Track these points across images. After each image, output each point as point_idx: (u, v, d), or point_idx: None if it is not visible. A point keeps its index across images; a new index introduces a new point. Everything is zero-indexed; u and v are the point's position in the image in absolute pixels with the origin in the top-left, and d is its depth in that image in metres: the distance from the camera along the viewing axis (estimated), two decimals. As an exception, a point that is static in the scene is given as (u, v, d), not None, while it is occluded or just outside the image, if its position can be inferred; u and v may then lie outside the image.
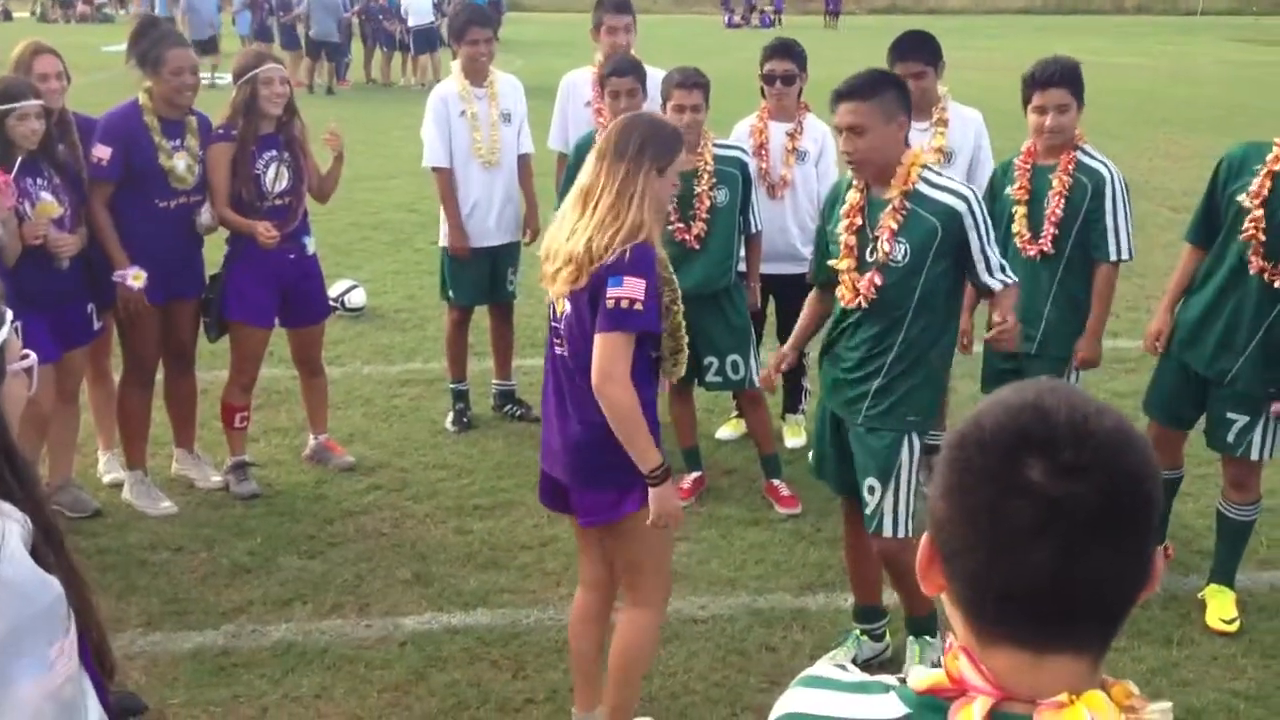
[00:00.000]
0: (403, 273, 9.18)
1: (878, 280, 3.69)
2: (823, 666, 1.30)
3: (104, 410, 5.56)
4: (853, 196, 3.79)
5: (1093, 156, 4.46)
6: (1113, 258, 4.43)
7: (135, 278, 4.97)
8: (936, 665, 3.96)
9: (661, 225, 3.32)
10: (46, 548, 1.61)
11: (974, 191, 3.74)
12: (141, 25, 5.34)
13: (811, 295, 4.16)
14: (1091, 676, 1.17)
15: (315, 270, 5.53)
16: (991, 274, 3.72)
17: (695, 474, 5.45)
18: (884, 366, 3.74)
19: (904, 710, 1.19)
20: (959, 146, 5.19)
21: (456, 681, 3.98)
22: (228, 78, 5.66)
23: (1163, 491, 1.21)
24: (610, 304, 3.10)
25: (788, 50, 5.61)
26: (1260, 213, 4.09)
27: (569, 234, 3.20)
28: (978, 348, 4.75)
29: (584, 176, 3.25)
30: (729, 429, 6.15)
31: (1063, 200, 4.41)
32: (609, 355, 3.13)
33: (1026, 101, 4.46)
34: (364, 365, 7.11)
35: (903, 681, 1.22)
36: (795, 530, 5.09)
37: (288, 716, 3.80)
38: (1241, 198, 4.13)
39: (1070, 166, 4.42)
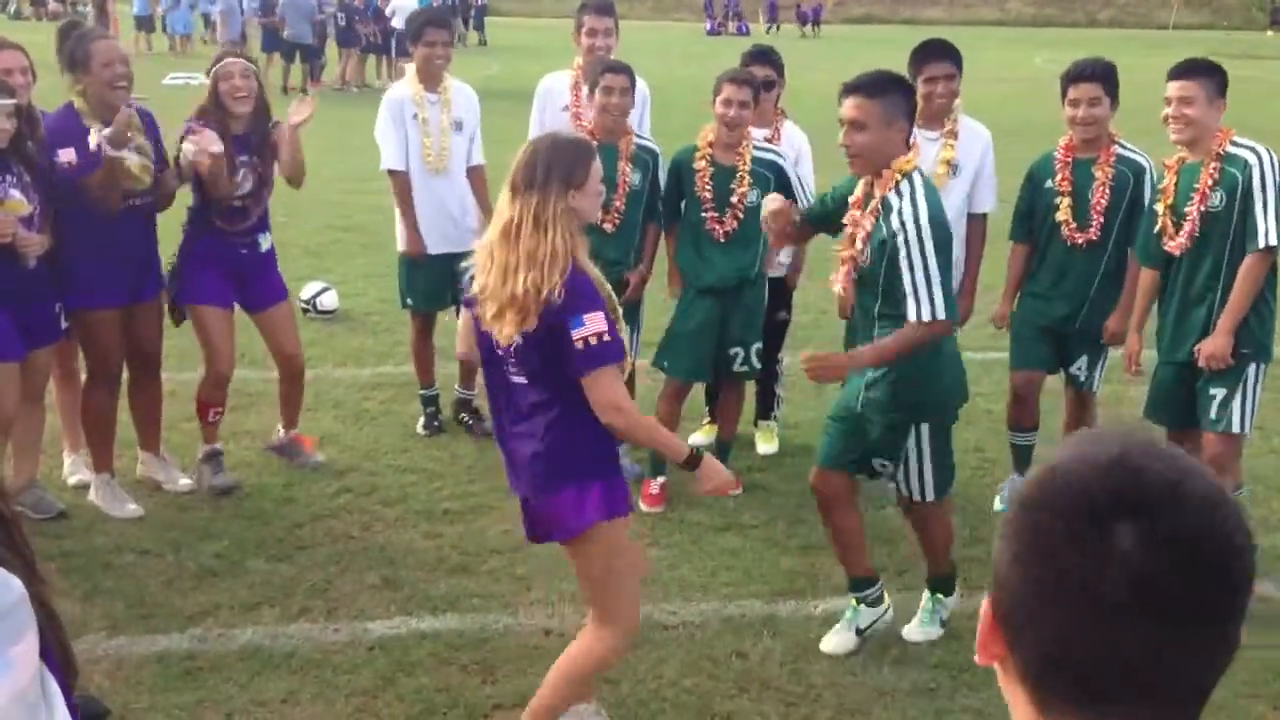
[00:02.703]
0: (376, 275, 9.12)
1: (852, 275, 3.90)
2: None
3: (70, 411, 5.50)
4: (860, 188, 3.97)
5: (1128, 149, 4.88)
6: None
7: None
8: (944, 625, 3.95)
9: (586, 239, 3.30)
10: (4, 545, 1.59)
11: (928, 216, 3.73)
12: (63, 29, 5.24)
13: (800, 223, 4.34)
14: None
15: (270, 261, 5.49)
16: (919, 308, 3.73)
17: (662, 479, 5.43)
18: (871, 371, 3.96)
19: None
20: (965, 161, 5.19)
21: (425, 687, 3.95)
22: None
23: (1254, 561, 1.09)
24: (581, 346, 3.13)
25: (766, 56, 5.66)
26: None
27: (503, 274, 3.18)
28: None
29: (502, 212, 3.25)
30: (701, 435, 6.14)
31: (1108, 191, 4.79)
32: (606, 391, 3.20)
33: (1064, 95, 4.84)
34: (335, 368, 7.06)
35: None
36: (767, 537, 5.09)
37: (253, 721, 3.77)
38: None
39: (1111, 159, 4.82)
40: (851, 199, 3.99)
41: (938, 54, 5.10)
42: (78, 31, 5.12)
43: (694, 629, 4.35)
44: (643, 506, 5.32)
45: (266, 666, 4.03)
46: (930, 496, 4.19)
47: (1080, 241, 4.89)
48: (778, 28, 43.92)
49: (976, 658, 1.16)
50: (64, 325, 5.02)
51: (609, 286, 3.32)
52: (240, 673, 3.99)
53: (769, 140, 5.60)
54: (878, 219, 3.79)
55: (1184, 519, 1.02)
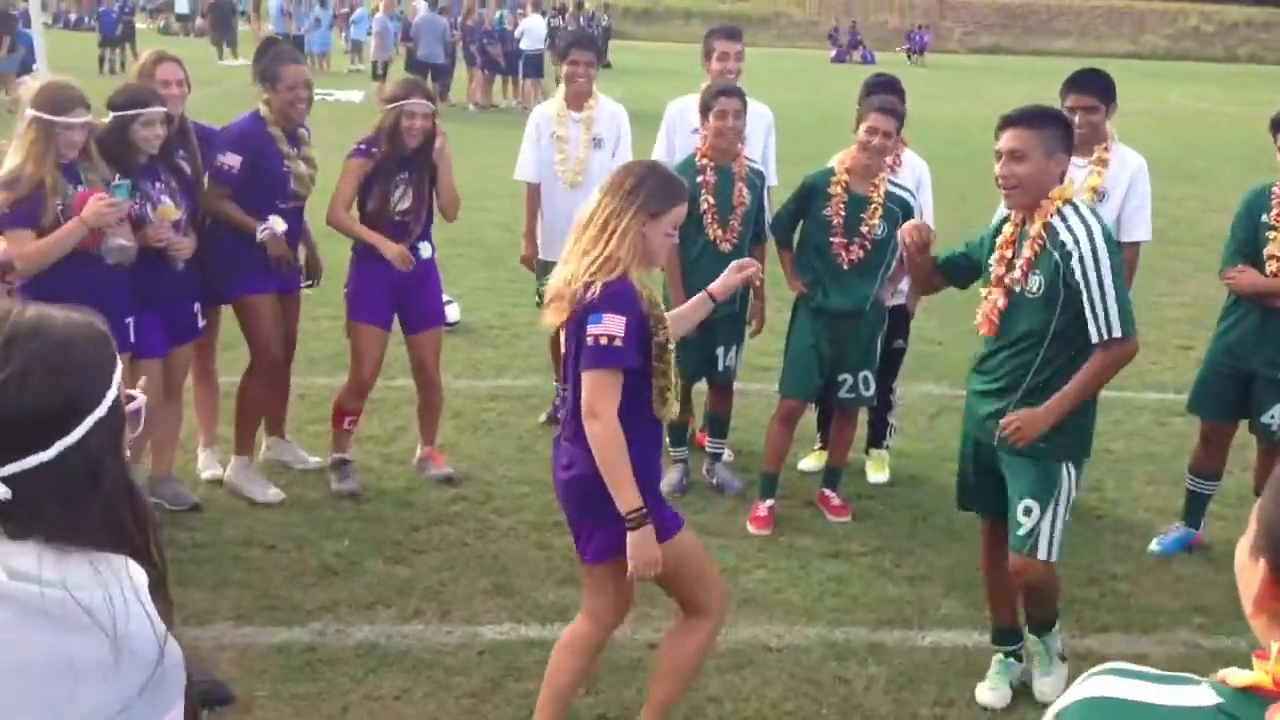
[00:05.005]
0: (496, 290, 9.34)
1: (1001, 304, 3.79)
2: (1121, 663, 1.30)
3: (205, 407, 5.77)
4: (1008, 230, 3.89)
5: None
6: None
7: (276, 222, 5.24)
8: (1063, 659, 3.92)
9: (648, 267, 3.34)
10: (155, 596, 1.58)
11: (1101, 232, 3.71)
12: (263, 45, 5.69)
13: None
14: None
15: (432, 275, 5.68)
16: (1098, 325, 3.65)
17: (769, 502, 5.47)
18: (1023, 392, 3.81)
19: (1217, 699, 1.19)
20: (1112, 188, 5.15)
21: (532, 692, 4.02)
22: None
23: None
24: (590, 341, 3.19)
25: (893, 86, 5.71)
26: None
27: (561, 265, 3.33)
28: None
29: (582, 210, 3.36)
30: (812, 461, 6.15)
31: None
32: (593, 392, 3.21)
33: (1273, 141, 4.85)
34: (455, 379, 7.22)
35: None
36: (874, 565, 5.08)
37: (368, 715, 3.90)
38: None
39: None
40: (1000, 239, 3.89)
41: (1078, 85, 5.08)
42: (275, 49, 5.53)
43: (798, 653, 4.36)
44: (750, 529, 5.36)
45: (381, 663, 4.17)
46: (1055, 554, 3.88)
47: None
48: (917, 54, 43.27)
49: (1253, 613, 1.25)
50: (201, 324, 5.28)
51: (666, 319, 3.34)
52: (357, 668, 4.13)
53: (891, 167, 5.61)
54: (1044, 245, 3.71)
55: None
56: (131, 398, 1.65)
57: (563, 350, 3.43)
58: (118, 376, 1.59)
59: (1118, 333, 3.66)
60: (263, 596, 4.58)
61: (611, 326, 3.16)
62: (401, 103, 5.29)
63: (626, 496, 3.22)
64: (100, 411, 1.54)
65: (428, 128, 5.33)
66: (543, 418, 6.54)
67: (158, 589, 1.58)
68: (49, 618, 1.45)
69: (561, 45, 6.43)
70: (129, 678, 1.48)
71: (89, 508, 1.51)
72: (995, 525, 4.08)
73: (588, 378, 3.22)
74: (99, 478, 1.53)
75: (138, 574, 1.55)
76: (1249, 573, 1.25)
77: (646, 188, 3.27)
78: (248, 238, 5.24)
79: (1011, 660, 4.19)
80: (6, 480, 1.47)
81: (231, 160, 5.21)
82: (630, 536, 3.24)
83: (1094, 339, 3.68)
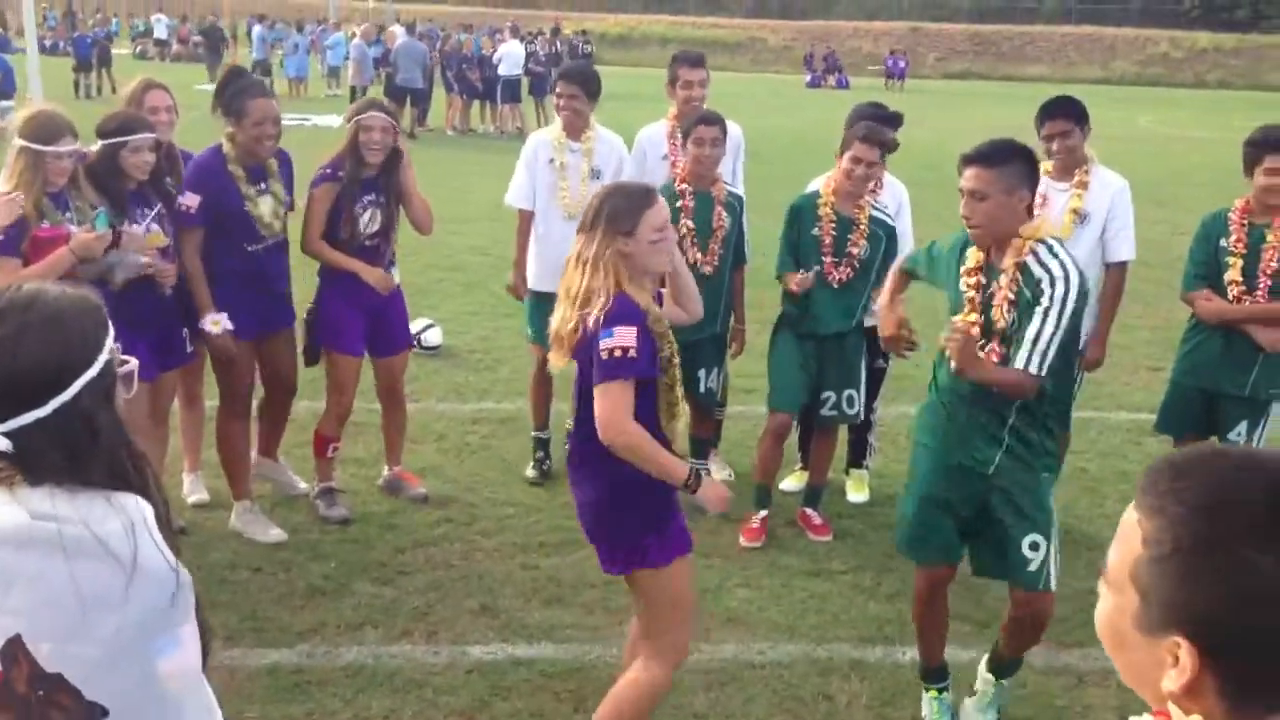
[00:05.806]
0: (478, 314, 9.40)
1: (999, 350, 3.75)
2: None
3: (191, 433, 5.80)
4: (976, 254, 3.85)
5: None
6: None
7: (213, 324, 5.14)
8: (1001, 710, 3.84)
9: (646, 282, 3.39)
10: (161, 528, 1.78)
11: (1073, 280, 3.64)
12: (227, 75, 5.51)
13: (899, 273, 4.31)
14: None
15: (399, 300, 5.73)
16: (1027, 356, 3.62)
17: (763, 513, 5.56)
18: (1009, 426, 3.80)
19: None
20: (1094, 209, 5.26)
21: (520, 711, 4.09)
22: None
23: None
24: (604, 355, 3.22)
25: (887, 119, 5.78)
26: None
27: (556, 306, 3.42)
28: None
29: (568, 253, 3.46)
30: (793, 480, 6.23)
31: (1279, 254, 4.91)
32: (609, 405, 3.22)
33: (1254, 163, 4.89)
34: (438, 402, 7.29)
35: None
36: (855, 583, 5.15)
37: (357, 735, 3.94)
38: None
39: None
40: (964, 268, 3.86)
41: (1051, 113, 5.23)
42: (241, 82, 5.32)
43: (781, 669, 4.43)
44: (743, 541, 5.47)
45: (370, 684, 4.21)
46: (1053, 584, 3.86)
47: (1247, 304, 4.93)
48: (897, 80, 43.45)
49: (1183, 702, 1.20)
50: (190, 349, 5.31)
51: (671, 335, 3.38)
52: (345, 688, 4.17)
53: (872, 192, 5.71)
54: (1019, 286, 3.68)
55: None
56: (124, 361, 1.82)
57: (575, 382, 3.48)
58: (109, 342, 1.77)
59: (1040, 371, 3.63)
60: (250, 618, 4.61)
61: (623, 338, 3.20)
62: (358, 117, 5.29)
63: (676, 472, 3.30)
64: (92, 372, 1.72)
65: (389, 142, 5.30)
66: (531, 472, 6.22)
67: (163, 522, 1.77)
68: (66, 552, 1.64)
69: (555, 79, 6.45)
70: (147, 598, 1.67)
71: (90, 456, 1.70)
72: (942, 570, 4.05)
73: (600, 391, 3.23)
74: (95, 430, 1.72)
75: (145, 508, 1.74)
76: (1144, 649, 1.22)
77: (606, 211, 3.33)
78: (220, 276, 5.13)
79: (947, 695, 4.17)
80: (8, 434, 1.66)
81: (190, 200, 5.04)
82: (697, 495, 3.39)
83: (1020, 365, 3.63)
